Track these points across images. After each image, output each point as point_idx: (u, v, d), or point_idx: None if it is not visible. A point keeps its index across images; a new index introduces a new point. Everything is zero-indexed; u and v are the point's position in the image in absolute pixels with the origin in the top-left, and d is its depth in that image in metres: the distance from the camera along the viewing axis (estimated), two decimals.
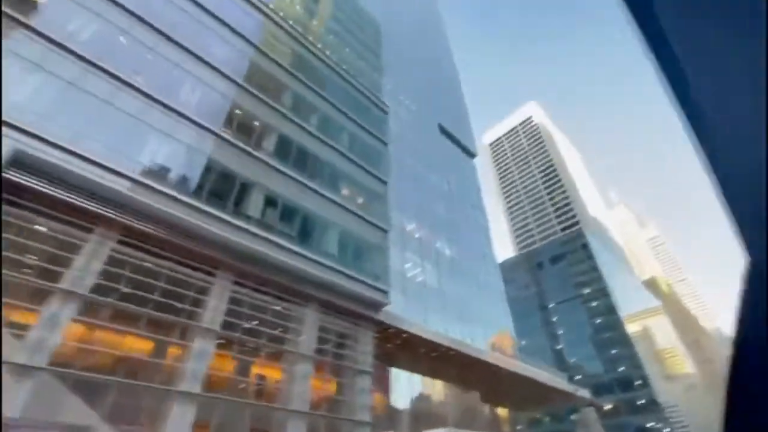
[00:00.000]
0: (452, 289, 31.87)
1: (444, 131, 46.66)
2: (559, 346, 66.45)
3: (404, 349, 23.03)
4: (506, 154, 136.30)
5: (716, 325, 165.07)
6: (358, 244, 19.65)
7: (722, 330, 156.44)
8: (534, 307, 71.33)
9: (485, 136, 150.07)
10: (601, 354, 61.40)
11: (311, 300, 16.26)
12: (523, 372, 28.68)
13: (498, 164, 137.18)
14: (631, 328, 71.80)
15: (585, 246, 69.37)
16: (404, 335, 21.93)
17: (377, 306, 18.43)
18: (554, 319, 68.43)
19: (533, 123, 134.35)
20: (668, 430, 51.68)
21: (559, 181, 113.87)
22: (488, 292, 36.43)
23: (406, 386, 26.37)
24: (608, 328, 62.32)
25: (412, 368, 25.82)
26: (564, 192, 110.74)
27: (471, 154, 50.06)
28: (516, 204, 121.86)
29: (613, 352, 59.83)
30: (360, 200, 21.32)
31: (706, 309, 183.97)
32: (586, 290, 65.89)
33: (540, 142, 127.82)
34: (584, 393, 32.73)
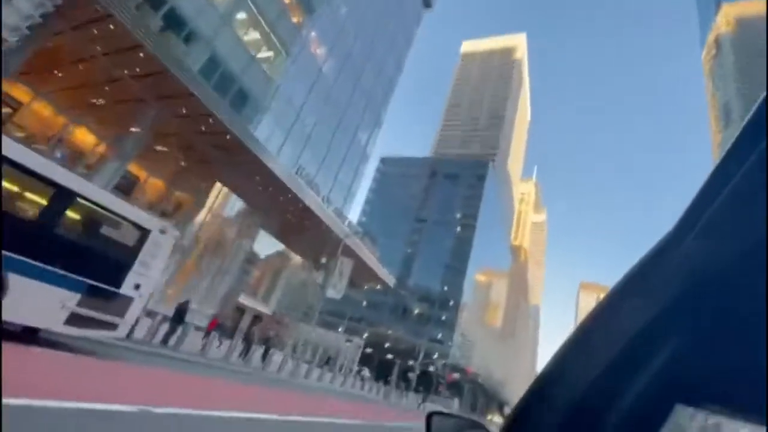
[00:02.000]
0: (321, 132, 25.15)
1: None
2: (409, 250, 67.88)
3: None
4: (473, 68, 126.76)
5: (534, 303, 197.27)
6: None
7: (537, 307, 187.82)
8: (410, 213, 70.78)
9: (465, 44, 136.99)
10: (441, 274, 64.39)
11: None
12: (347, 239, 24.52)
13: (461, 74, 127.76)
14: (479, 277, 77.22)
15: (481, 178, 68.19)
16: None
17: None
18: (422, 232, 69.04)
19: (513, 58, 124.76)
20: (442, 340, 57.49)
21: (500, 120, 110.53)
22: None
23: None
24: (457, 257, 64.78)
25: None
26: (497, 131, 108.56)
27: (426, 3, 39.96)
28: (454, 116, 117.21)
29: (450, 277, 62.98)
30: None
31: (535, 290, 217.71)
32: (459, 215, 66.27)
33: (507, 78, 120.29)
34: (390, 280, 31.11)
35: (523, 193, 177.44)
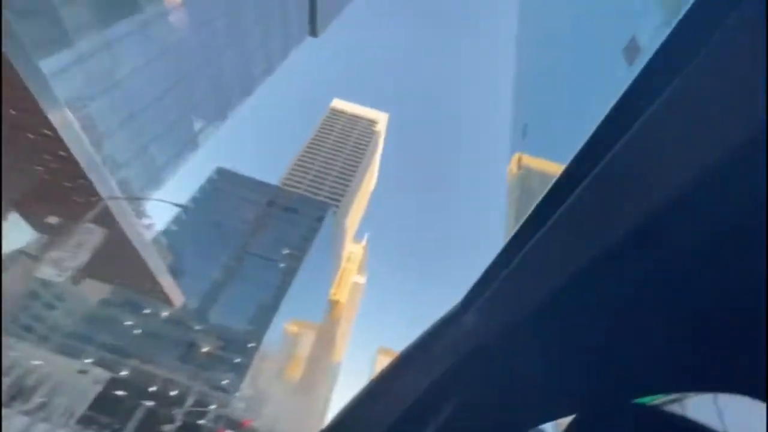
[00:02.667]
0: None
1: None
2: (221, 278, 59.06)
3: None
4: (338, 124, 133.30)
5: (336, 361, 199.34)
6: None
7: (338, 366, 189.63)
8: (235, 238, 63.09)
9: (336, 101, 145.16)
10: (250, 313, 57.37)
11: None
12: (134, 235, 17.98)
13: (326, 124, 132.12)
14: (290, 327, 72.81)
15: (320, 219, 67.45)
16: None
17: None
18: (242, 261, 61.72)
19: (373, 129, 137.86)
20: (227, 388, 49.64)
21: (350, 178, 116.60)
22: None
23: None
24: (273, 298, 59.73)
25: None
26: (343, 191, 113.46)
27: (312, 31, 39.87)
28: (310, 157, 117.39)
29: (258, 318, 56.68)
30: None
31: (340, 349, 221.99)
32: (287, 251, 62.42)
33: (364, 145, 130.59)
34: (177, 296, 24.82)
35: (351, 252, 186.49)
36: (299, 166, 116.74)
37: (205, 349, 49.08)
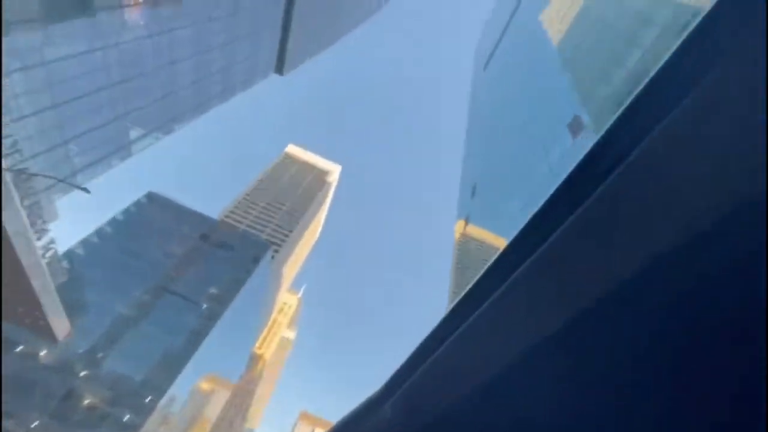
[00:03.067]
0: None
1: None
2: (129, 315, 50.60)
3: None
4: (290, 169, 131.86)
5: (250, 427, 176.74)
6: None
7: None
8: (156, 271, 55.70)
9: (290, 147, 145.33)
10: (154, 360, 49.10)
11: None
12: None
13: (278, 168, 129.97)
14: (202, 384, 64.13)
15: (257, 260, 62.33)
16: None
17: None
18: (159, 298, 54.05)
19: (324, 179, 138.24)
20: None
21: (295, 223, 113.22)
22: None
23: None
24: (187, 345, 52.21)
25: None
26: (285, 236, 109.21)
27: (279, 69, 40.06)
28: (257, 195, 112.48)
29: (164, 367, 48.61)
30: None
31: (257, 412, 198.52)
32: (214, 290, 55.95)
33: (313, 194, 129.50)
34: (61, 327, 20.06)
35: (285, 303, 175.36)
36: (243, 203, 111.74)
37: (87, 402, 40.36)
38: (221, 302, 58.53)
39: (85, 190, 15.02)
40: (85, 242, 52.01)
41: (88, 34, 17.70)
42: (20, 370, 40.78)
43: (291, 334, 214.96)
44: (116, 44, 19.36)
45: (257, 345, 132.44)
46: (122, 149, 23.12)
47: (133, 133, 23.73)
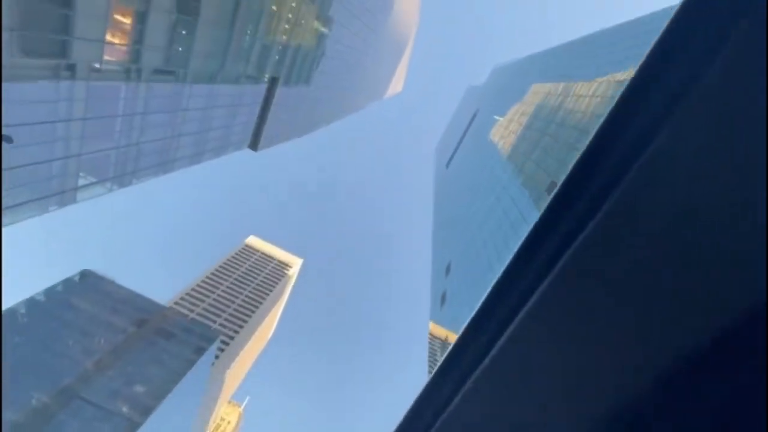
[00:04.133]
0: None
1: None
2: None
3: None
4: (248, 260, 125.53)
5: None
6: None
7: None
8: (52, 369, 45.77)
9: (251, 238, 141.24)
10: None
11: None
12: None
13: (236, 257, 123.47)
14: None
15: (200, 351, 52.96)
16: None
17: None
18: (67, 405, 43.28)
19: (285, 272, 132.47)
20: None
21: (247, 319, 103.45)
22: None
23: None
24: None
25: None
26: (232, 335, 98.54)
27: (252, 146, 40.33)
28: (210, 286, 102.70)
29: None
30: None
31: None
32: (139, 389, 45.74)
33: (271, 286, 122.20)
34: None
35: (223, 419, 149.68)
36: (194, 293, 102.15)
37: None
38: (144, 410, 48.19)
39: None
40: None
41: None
42: None
43: None
44: (88, 79, 18.44)
45: None
46: (65, 193, 20.35)
47: (82, 179, 21.33)
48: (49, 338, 46.82)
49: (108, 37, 18.53)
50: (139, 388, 48.14)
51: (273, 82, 36.65)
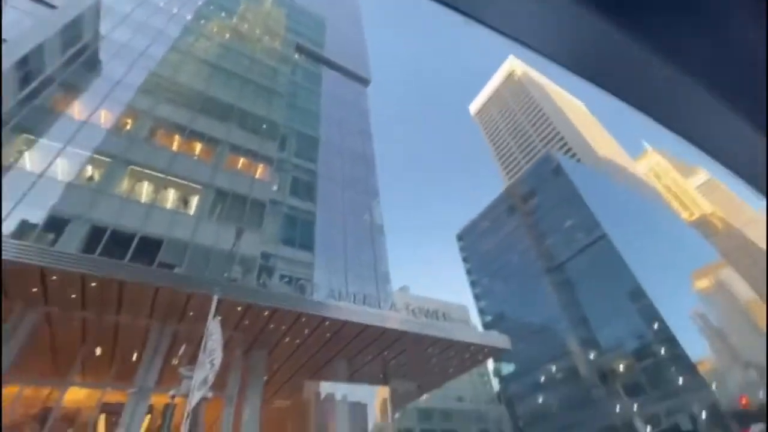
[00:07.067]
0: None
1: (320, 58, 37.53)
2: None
3: None
4: (495, 118, 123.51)
5: None
6: None
7: None
8: (519, 272, 57.20)
9: (472, 106, 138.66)
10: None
11: None
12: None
13: (490, 131, 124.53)
14: (700, 284, 55.65)
15: (557, 171, 54.32)
16: None
17: None
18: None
19: (515, 78, 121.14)
20: None
21: (555, 132, 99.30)
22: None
23: None
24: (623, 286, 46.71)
25: None
26: (563, 140, 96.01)
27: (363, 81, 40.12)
28: (514, 167, 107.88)
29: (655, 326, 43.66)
30: None
31: None
32: (580, 236, 50.74)
33: (527, 98, 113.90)
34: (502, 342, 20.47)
35: (654, 166, 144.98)
36: (500, 151, 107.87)
37: None
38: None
39: None
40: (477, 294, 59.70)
41: None
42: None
43: (700, 178, 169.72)
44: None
45: (688, 214, 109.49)
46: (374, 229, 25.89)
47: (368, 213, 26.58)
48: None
49: None
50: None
51: None
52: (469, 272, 66.50)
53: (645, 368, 42.40)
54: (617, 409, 42.71)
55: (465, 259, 68.37)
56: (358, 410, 19.70)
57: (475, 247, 66.66)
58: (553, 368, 50.52)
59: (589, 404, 45.65)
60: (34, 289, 12.99)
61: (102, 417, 17.19)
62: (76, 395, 19.11)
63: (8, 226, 14.06)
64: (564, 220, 53.54)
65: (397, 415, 28.90)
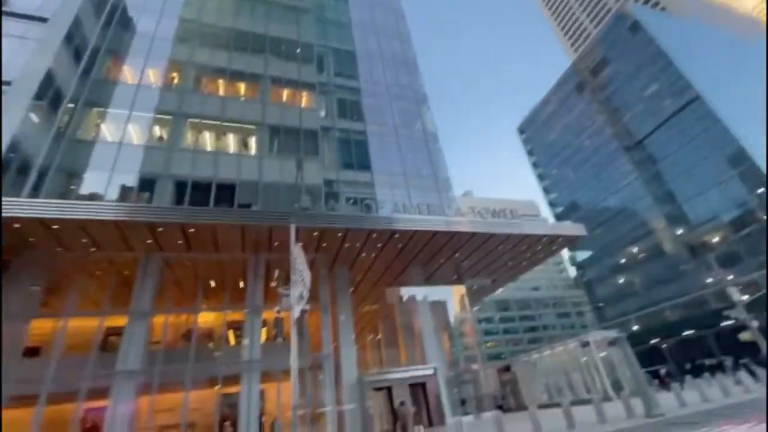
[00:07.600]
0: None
1: None
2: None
3: None
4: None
5: None
6: None
7: None
8: (594, 149, 52.35)
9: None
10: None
11: None
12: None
13: None
14: None
15: (635, 29, 45.27)
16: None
17: None
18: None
19: None
20: None
21: None
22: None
23: None
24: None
25: None
26: None
27: None
28: (580, 36, 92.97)
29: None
30: None
31: None
32: (666, 103, 43.90)
33: None
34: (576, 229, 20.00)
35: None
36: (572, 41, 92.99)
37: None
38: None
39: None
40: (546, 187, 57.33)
41: None
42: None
43: None
44: None
45: None
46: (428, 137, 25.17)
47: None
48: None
49: None
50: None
51: None
52: (535, 165, 63.27)
53: (744, 237, 39.15)
54: (708, 281, 41.10)
55: (530, 152, 64.60)
56: (439, 307, 21.59)
57: (540, 137, 62.15)
58: (635, 249, 48.95)
59: (674, 279, 44.42)
60: (149, 241, 15.35)
61: (231, 332, 21.00)
62: (207, 318, 23.29)
63: (113, 192, 16.29)
64: (645, 89, 46.55)
65: (476, 308, 31.11)
